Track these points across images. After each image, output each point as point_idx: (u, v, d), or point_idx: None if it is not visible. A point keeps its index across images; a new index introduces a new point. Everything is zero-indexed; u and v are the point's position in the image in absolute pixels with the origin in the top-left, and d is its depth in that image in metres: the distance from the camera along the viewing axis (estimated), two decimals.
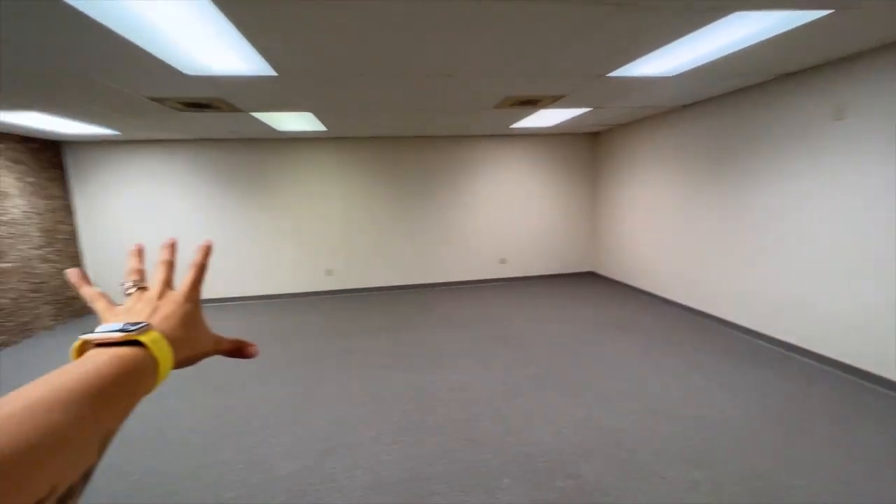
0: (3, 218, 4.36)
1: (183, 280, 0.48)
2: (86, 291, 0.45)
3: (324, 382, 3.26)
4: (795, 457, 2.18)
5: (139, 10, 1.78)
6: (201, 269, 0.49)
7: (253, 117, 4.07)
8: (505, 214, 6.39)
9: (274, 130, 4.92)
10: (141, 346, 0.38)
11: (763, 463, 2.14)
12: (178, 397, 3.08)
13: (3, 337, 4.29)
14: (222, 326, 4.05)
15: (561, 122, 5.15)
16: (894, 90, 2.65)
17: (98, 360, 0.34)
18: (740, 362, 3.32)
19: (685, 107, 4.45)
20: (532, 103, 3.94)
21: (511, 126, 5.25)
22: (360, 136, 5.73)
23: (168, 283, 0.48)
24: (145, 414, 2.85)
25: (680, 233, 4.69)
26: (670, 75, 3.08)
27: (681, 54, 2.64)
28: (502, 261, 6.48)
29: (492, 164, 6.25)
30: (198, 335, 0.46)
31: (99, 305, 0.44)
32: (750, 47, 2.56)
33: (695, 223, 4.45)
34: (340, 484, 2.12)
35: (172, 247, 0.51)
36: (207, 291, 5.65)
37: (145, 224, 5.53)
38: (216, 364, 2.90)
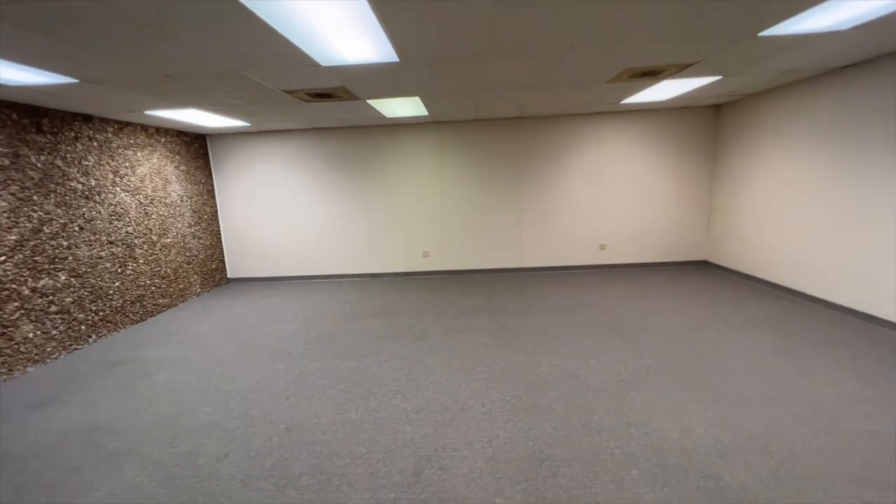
0: (167, 200, 5.20)
1: None
2: None
3: (430, 357, 3.40)
4: None
5: (295, 5, 1.94)
6: None
7: (367, 104, 4.29)
8: (606, 197, 6.02)
9: (380, 117, 5.16)
10: None
11: None
12: (305, 360, 3.44)
13: (167, 300, 5.16)
14: (334, 299, 4.54)
15: (679, 95, 4.66)
16: None
17: None
18: None
19: (847, 67, 3.73)
20: (653, 74, 3.60)
21: (622, 101, 4.88)
22: (459, 119, 5.76)
23: None
24: (283, 371, 3.24)
25: (830, 219, 4.00)
26: (842, 29, 2.59)
27: (857, 5, 2.19)
28: (602, 246, 6.15)
29: (593, 144, 5.90)
30: None
31: None
32: None
33: (853, 207, 3.76)
34: (462, 454, 2.20)
35: None
36: (318, 268, 6.25)
37: (267, 203, 6.21)
38: (332, 333, 3.23)
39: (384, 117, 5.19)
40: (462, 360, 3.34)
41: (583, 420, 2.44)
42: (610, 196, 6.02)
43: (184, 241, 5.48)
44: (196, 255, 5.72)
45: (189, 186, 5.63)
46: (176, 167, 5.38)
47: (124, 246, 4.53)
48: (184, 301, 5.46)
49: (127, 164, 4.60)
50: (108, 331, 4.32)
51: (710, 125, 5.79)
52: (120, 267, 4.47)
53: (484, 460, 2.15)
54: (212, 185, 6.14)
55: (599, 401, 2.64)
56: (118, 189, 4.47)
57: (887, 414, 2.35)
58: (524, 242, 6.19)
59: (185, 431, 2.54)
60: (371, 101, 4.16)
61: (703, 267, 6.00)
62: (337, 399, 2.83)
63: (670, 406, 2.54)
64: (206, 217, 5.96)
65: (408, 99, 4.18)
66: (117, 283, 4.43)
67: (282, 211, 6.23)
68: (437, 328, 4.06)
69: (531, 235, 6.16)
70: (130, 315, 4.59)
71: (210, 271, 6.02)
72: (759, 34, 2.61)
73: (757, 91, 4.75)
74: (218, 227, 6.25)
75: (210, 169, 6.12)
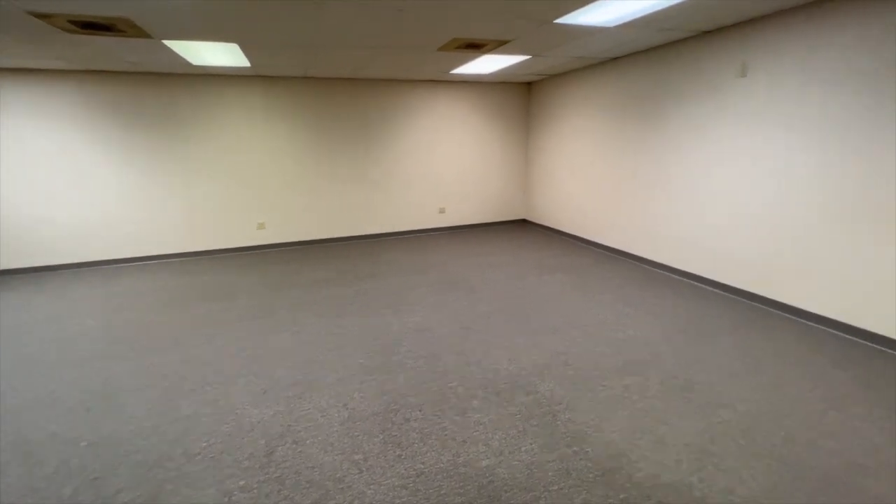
0: None
1: None
2: None
3: (276, 334, 3.20)
4: (700, 361, 2.68)
5: None
6: None
7: (163, 46, 3.51)
8: (443, 164, 6.41)
9: (185, 64, 4.31)
10: None
11: (677, 368, 2.61)
12: (111, 361, 2.83)
13: None
14: (146, 286, 3.87)
15: (499, 70, 5.17)
16: (797, 52, 3.08)
17: None
18: (656, 291, 3.87)
19: (615, 59, 4.71)
20: (477, 47, 3.89)
21: (451, 71, 5.15)
22: (289, 75, 5.24)
23: None
24: (76, 380, 2.61)
25: (602, 180, 5.12)
26: (610, 26, 3.23)
27: (622, 5, 2.77)
28: (441, 210, 6.58)
29: (429, 112, 6.14)
30: None
31: None
32: (679, 3, 2.77)
33: (616, 171, 4.88)
34: (317, 422, 2.18)
35: None
36: (118, 251, 5.06)
37: (23, 169, 4.67)
38: (148, 326, 2.83)
39: (191, 64, 4.35)
40: (312, 332, 3.23)
41: (430, 367, 2.68)
42: (445, 163, 6.42)
43: None
44: None
45: None
46: None
47: None
48: None
49: None
50: None
51: (523, 99, 6.63)
52: None
53: (340, 423, 2.17)
54: None
55: (445, 348, 2.92)
56: None
57: (642, 324, 3.24)
58: (367, 209, 6.17)
59: None
60: (170, 43, 3.42)
61: (523, 224, 7.01)
62: (161, 398, 2.43)
63: (501, 342, 2.98)
64: None
65: (223, 45, 3.58)
66: None
67: (53, 179, 4.76)
68: (282, 303, 3.81)
69: (375, 201, 6.17)
70: None
71: None
72: (555, 21, 3.06)
73: (558, 73, 5.61)
74: None
75: None
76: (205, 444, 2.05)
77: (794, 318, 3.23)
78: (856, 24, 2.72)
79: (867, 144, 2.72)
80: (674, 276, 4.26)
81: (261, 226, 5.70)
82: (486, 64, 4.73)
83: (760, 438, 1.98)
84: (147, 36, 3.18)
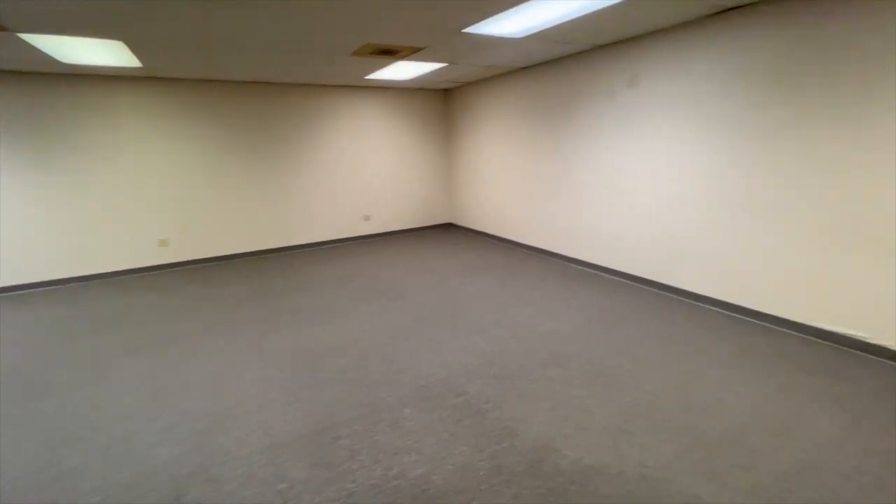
0: None
1: None
2: None
3: (183, 363, 2.89)
4: (612, 347, 2.92)
5: None
6: None
7: (21, 41, 3.02)
8: (366, 170, 6.30)
9: (56, 62, 3.75)
10: None
11: (595, 354, 2.81)
12: None
13: None
14: (15, 321, 3.29)
15: (417, 77, 5.21)
16: (677, 63, 3.49)
17: None
18: (572, 285, 4.14)
19: (525, 68, 4.98)
20: (391, 53, 3.88)
21: (367, 77, 5.08)
22: (189, 77, 4.80)
23: None
24: None
25: (520, 183, 5.39)
26: (517, 37, 3.41)
27: (526, 18, 2.94)
28: (366, 217, 6.45)
29: (349, 117, 6.01)
30: None
31: None
32: (576, 19, 3.01)
33: (531, 174, 5.17)
34: (235, 455, 2.00)
35: None
36: None
37: None
38: (18, 369, 2.45)
39: (61, 63, 3.80)
40: (227, 356, 2.97)
41: (359, 380, 2.59)
42: (368, 169, 6.31)
43: None
44: None
45: None
46: None
47: None
48: None
49: None
50: None
51: (443, 106, 6.76)
52: None
53: (260, 452, 2.01)
54: None
55: (373, 358, 2.85)
56: None
57: (561, 317, 3.43)
58: (287, 219, 5.85)
59: None
60: (30, 38, 2.95)
61: (449, 228, 7.12)
62: (39, 452, 2.07)
63: (431, 347, 2.98)
64: None
65: (105, 43, 3.17)
66: None
67: None
68: (191, 328, 3.46)
69: (295, 211, 5.88)
70: None
71: None
72: (463, 31, 3.16)
73: (473, 80, 5.79)
74: None
75: None
76: (97, 500, 1.78)
77: (690, 301, 3.65)
78: (726, 38, 3.15)
79: (741, 143, 3.17)
80: (589, 270, 4.60)
81: (163, 243, 5.14)
82: (403, 70, 4.74)
83: (664, 413, 2.20)
84: (2, 29, 2.71)
